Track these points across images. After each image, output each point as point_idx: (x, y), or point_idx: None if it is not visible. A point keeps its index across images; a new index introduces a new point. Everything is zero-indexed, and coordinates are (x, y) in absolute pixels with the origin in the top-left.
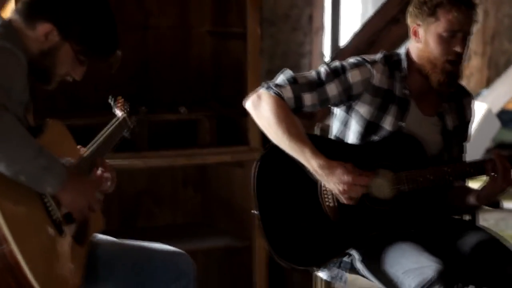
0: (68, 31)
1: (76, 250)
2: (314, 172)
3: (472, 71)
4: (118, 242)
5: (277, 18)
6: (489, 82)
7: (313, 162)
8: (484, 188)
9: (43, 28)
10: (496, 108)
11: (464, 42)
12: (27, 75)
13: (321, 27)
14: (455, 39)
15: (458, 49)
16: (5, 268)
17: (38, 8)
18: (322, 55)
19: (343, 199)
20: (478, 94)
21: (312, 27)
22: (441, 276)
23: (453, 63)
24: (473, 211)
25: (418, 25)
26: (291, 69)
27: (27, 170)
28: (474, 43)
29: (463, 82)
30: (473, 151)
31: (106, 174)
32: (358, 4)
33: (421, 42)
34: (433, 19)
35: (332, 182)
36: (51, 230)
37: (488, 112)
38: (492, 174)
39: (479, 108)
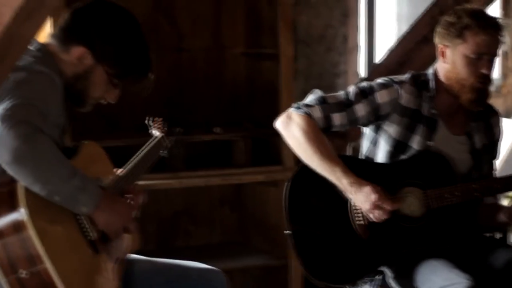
0: (101, 54)
1: (112, 268)
2: (344, 190)
3: (509, 89)
4: (153, 260)
5: (311, 39)
6: None
7: (343, 181)
8: None
9: (77, 51)
10: None
11: (490, 64)
12: (63, 98)
13: (356, 47)
14: (482, 61)
15: (484, 71)
16: (41, 286)
17: (72, 32)
18: (357, 74)
19: (371, 217)
20: None
21: (346, 47)
22: None
23: (480, 83)
24: (504, 228)
25: (446, 45)
26: (326, 89)
27: (62, 191)
28: (511, 60)
29: (500, 101)
30: (509, 169)
31: (135, 199)
32: (393, 23)
33: (448, 63)
34: (460, 41)
35: (359, 200)
36: (86, 249)
37: None
38: None
39: None
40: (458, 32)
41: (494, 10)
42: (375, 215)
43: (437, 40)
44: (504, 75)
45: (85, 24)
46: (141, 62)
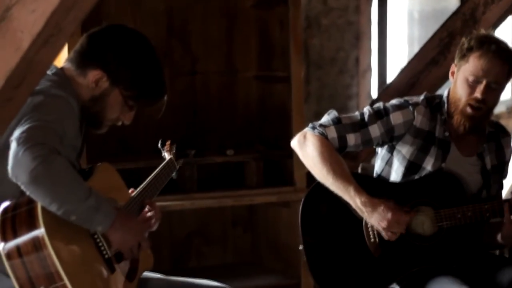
0: (117, 78)
1: (127, 286)
2: (357, 209)
3: None
4: (166, 278)
5: (324, 62)
6: None
7: (357, 200)
8: (504, 229)
9: (93, 75)
10: None
11: (488, 90)
12: (80, 121)
13: (368, 69)
14: (479, 85)
15: (477, 95)
16: None
17: (88, 56)
18: (369, 96)
19: (384, 235)
20: None
21: (358, 70)
22: None
23: (473, 108)
24: (503, 248)
25: (455, 65)
26: (338, 111)
27: (78, 211)
28: None
29: None
30: None
31: (150, 213)
32: (404, 45)
33: (453, 82)
34: (464, 62)
35: (374, 219)
36: (102, 268)
37: None
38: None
39: None
40: (464, 53)
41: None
42: (389, 233)
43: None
44: None
45: (100, 48)
46: (156, 84)
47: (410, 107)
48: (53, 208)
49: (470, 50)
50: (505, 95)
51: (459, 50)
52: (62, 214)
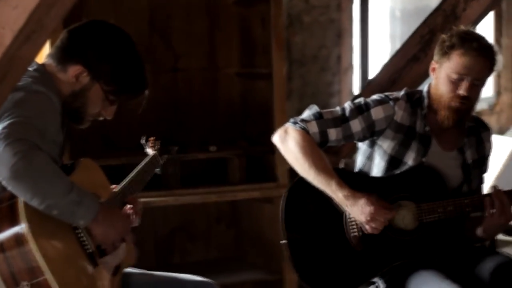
0: (97, 72)
1: (110, 280)
2: (339, 203)
3: (502, 107)
4: (149, 273)
5: (306, 59)
6: None
7: (339, 193)
8: (484, 223)
9: (74, 70)
10: None
11: (471, 87)
12: (61, 116)
13: (350, 67)
14: (462, 82)
15: (461, 92)
16: None
17: (69, 51)
18: (351, 94)
19: (367, 229)
20: (507, 130)
21: (340, 67)
22: None
23: (455, 103)
24: (484, 242)
25: (436, 62)
26: (320, 108)
27: (60, 205)
28: (504, 78)
29: (494, 118)
30: (502, 185)
31: (130, 209)
32: (386, 43)
33: (434, 79)
34: (446, 59)
35: (355, 212)
36: (84, 261)
37: None
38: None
39: (508, 143)
40: (445, 50)
41: (487, 29)
42: (371, 227)
43: (434, 56)
44: (498, 93)
45: (81, 43)
46: (137, 79)
47: (391, 102)
48: (34, 203)
49: (451, 47)
50: (487, 92)
51: (440, 47)
52: (44, 209)
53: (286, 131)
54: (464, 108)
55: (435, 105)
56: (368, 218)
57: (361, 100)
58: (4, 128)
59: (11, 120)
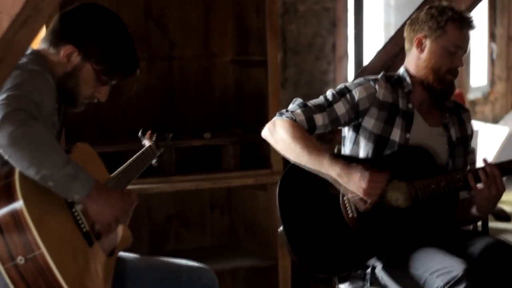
0: (88, 52)
1: (105, 260)
2: (335, 179)
3: (496, 96)
4: (144, 257)
5: (301, 48)
6: None
7: (332, 170)
8: (476, 198)
9: (65, 50)
10: None
11: (461, 59)
12: (56, 99)
13: (345, 55)
14: (457, 55)
15: (458, 64)
16: (37, 272)
17: (61, 33)
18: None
19: (364, 198)
20: (501, 118)
21: (335, 56)
22: (468, 274)
23: (452, 75)
24: (479, 221)
25: (425, 36)
26: (315, 97)
27: (55, 176)
28: (498, 68)
29: (488, 107)
30: None
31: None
32: (381, 31)
33: (424, 53)
34: (441, 31)
35: (353, 182)
36: (80, 239)
37: (510, 135)
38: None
39: (501, 132)
40: (441, 23)
41: (481, 18)
42: (371, 192)
43: (411, 33)
44: (492, 82)
45: (72, 24)
46: (127, 58)
47: (371, 82)
48: (30, 172)
49: (449, 20)
50: (481, 82)
51: (432, 21)
52: (39, 179)
53: (274, 123)
54: (454, 80)
55: (429, 79)
56: (365, 186)
57: (341, 85)
58: (3, 99)
59: (10, 93)
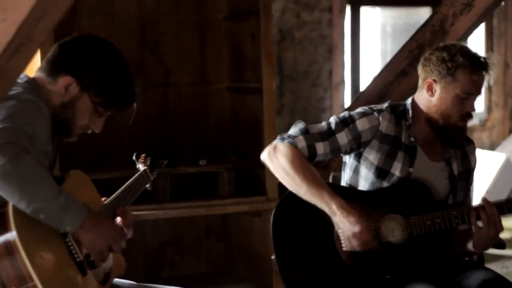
0: (86, 83)
1: None
2: (331, 214)
3: (493, 123)
4: (140, 284)
5: (297, 75)
6: (511, 133)
7: (332, 204)
8: (474, 236)
9: (63, 80)
10: None
11: (474, 103)
12: (51, 127)
13: (342, 82)
14: (469, 100)
15: (471, 109)
16: None
17: (59, 63)
18: (343, 109)
19: (348, 244)
20: (498, 144)
21: (332, 82)
22: None
23: (464, 121)
24: (475, 255)
25: (434, 80)
26: (312, 123)
27: (47, 209)
28: (495, 95)
29: (486, 134)
30: (493, 200)
31: (124, 221)
32: (377, 58)
33: (435, 98)
34: (451, 79)
35: (345, 226)
36: (73, 270)
37: (507, 162)
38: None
39: (498, 158)
40: (450, 70)
41: (478, 45)
42: (351, 244)
43: (423, 73)
44: (489, 109)
45: (71, 55)
46: (125, 91)
47: (375, 113)
48: (22, 205)
49: (457, 67)
50: (478, 108)
51: (441, 67)
52: (31, 212)
53: (274, 148)
54: (466, 124)
55: (439, 123)
56: (353, 235)
57: (345, 113)
58: None
59: (1, 125)
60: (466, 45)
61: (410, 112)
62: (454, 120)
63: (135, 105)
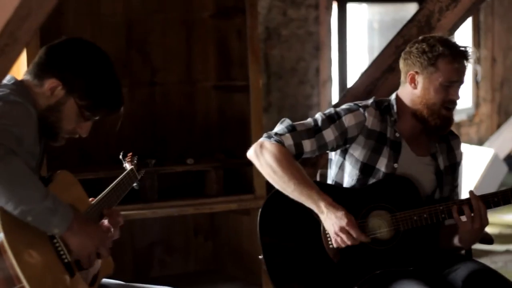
0: (72, 86)
1: None
2: (319, 212)
3: (482, 118)
4: (125, 284)
5: (284, 72)
6: (499, 128)
7: (321, 203)
8: (460, 229)
9: (49, 83)
10: (503, 153)
11: (458, 90)
12: (38, 129)
13: (329, 79)
14: (453, 88)
15: (454, 97)
16: None
17: (46, 66)
18: (330, 106)
19: (336, 240)
20: (486, 140)
21: (319, 79)
22: None
23: (449, 109)
24: (462, 250)
25: (416, 72)
26: (299, 120)
27: (34, 211)
28: (483, 90)
29: (473, 129)
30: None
31: (111, 220)
32: (364, 55)
33: (418, 89)
34: (433, 69)
35: (331, 222)
36: (61, 271)
37: (495, 157)
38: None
39: (486, 154)
40: (431, 61)
41: (466, 40)
42: (339, 239)
43: (405, 66)
44: (477, 104)
45: (58, 58)
46: (111, 95)
47: (361, 109)
48: (9, 207)
49: (439, 56)
50: (466, 104)
51: (423, 57)
52: (18, 214)
53: (261, 146)
54: (452, 114)
55: (424, 114)
56: (339, 230)
57: (331, 110)
58: None
59: None
60: (446, 36)
61: (395, 107)
62: (439, 109)
63: (122, 109)
